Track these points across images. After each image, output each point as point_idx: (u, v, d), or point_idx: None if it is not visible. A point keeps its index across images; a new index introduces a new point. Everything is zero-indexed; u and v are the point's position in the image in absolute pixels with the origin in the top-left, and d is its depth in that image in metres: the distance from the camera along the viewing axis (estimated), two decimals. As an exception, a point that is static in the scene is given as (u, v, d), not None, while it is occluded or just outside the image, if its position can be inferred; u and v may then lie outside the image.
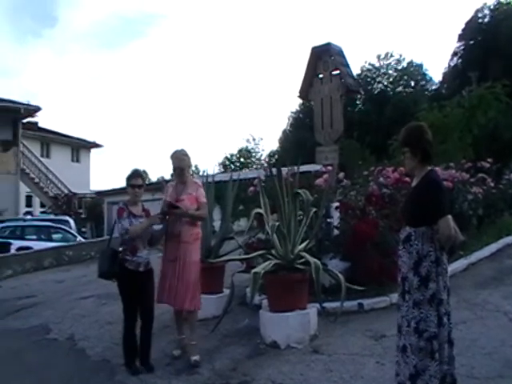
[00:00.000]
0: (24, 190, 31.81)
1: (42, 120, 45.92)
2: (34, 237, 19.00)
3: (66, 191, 33.56)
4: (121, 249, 5.51)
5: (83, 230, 28.25)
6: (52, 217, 25.35)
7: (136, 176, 5.66)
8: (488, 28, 51.29)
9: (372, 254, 7.04)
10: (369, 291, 6.64)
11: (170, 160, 5.91)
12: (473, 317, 5.95)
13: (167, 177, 39.05)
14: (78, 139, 41.76)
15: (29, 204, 35.61)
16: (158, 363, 5.63)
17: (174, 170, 5.93)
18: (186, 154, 5.92)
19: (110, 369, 5.78)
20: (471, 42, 53.05)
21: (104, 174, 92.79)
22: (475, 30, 52.72)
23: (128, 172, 5.67)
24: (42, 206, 34.81)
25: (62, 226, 20.64)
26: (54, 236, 19.45)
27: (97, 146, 43.63)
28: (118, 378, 5.49)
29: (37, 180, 32.53)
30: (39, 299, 10.29)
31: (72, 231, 20.85)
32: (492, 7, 54.09)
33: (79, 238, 20.20)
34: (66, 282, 12.35)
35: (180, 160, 5.84)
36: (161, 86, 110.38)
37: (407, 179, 8.32)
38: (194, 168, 66.87)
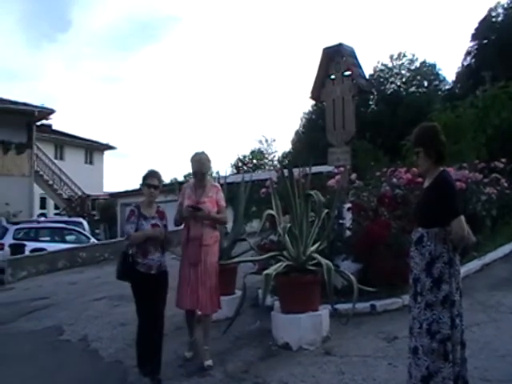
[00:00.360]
0: (38, 191, 32.00)
1: (56, 122, 46.14)
2: (48, 238, 19.12)
3: (79, 193, 33.72)
4: (131, 251, 5.38)
5: (97, 231, 28.38)
6: (66, 218, 25.51)
7: (152, 176, 5.50)
8: (502, 27, 51.06)
9: (384, 255, 7.00)
10: (381, 293, 6.60)
11: (190, 162, 5.77)
12: (486, 319, 5.90)
13: (180, 178, 39.18)
14: (91, 141, 41.99)
15: (43, 206, 35.88)
16: (170, 365, 5.65)
17: (195, 173, 5.81)
18: (208, 159, 5.80)
19: (122, 370, 5.83)
20: (485, 41, 52.81)
21: (117, 175, 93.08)
22: (489, 28, 52.48)
23: (143, 172, 5.58)
24: (56, 207, 35.01)
25: (76, 228, 20.76)
26: (68, 238, 19.57)
27: (110, 147, 43.83)
28: (130, 379, 5.53)
29: (51, 182, 32.71)
30: (52, 301, 10.37)
31: (85, 233, 20.96)
32: (506, 6, 53.79)
33: (92, 240, 20.30)
34: (79, 284, 12.43)
35: (202, 164, 5.72)
36: (174, 88, 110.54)
37: (420, 180, 8.28)
38: (206, 169, 67.03)
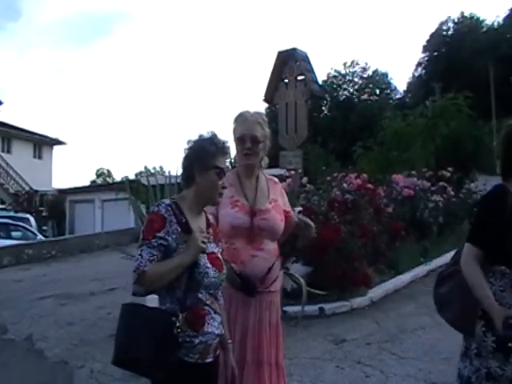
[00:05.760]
0: (-17, 186, 31.19)
1: (4, 114, 44.90)
2: (-7, 234, 18.58)
3: (27, 188, 32.99)
4: (179, 320, 2.32)
5: (44, 228, 27.72)
6: (12, 214, 24.87)
7: (224, 151, 2.61)
8: (452, 40, 52.80)
9: (334, 259, 7.11)
10: (330, 296, 6.71)
11: (234, 126, 3.21)
12: (432, 322, 6.04)
13: (131, 177, 38.66)
14: (40, 135, 41.06)
15: (-12, 201, 34.92)
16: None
17: (241, 139, 3.12)
18: (265, 120, 3.25)
19: (68, 371, 5.70)
20: (435, 54, 54.45)
21: (67, 171, 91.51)
22: (439, 41, 54.17)
23: (194, 137, 2.61)
24: (2, 202, 34.10)
25: (22, 224, 20.21)
26: (14, 234, 18.97)
27: (60, 142, 43.01)
28: (76, 380, 5.42)
29: (-4, 176, 31.93)
30: (-4, 298, 10.10)
31: (32, 229, 20.44)
32: (456, 20, 55.66)
33: (40, 237, 19.84)
34: (25, 282, 12.13)
35: (253, 124, 3.14)
36: (125, 84, 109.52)
37: (370, 186, 8.47)
38: (158, 169, 66.64)
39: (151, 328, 2.23)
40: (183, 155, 2.60)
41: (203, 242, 2.38)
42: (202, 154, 2.53)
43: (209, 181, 2.52)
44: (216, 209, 2.93)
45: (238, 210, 3.01)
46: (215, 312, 2.48)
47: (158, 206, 2.44)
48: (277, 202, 3.16)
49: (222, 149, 2.58)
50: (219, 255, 2.56)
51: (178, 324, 2.28)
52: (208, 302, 2.44)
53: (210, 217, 2.70)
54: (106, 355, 5.96)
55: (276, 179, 3.38)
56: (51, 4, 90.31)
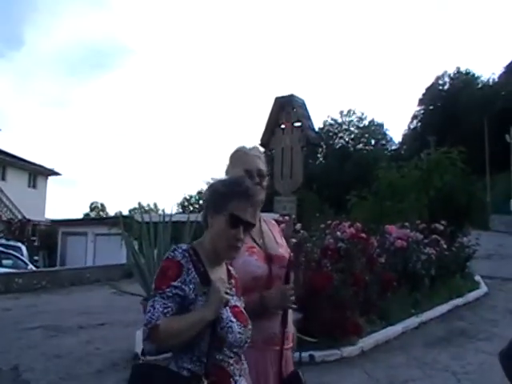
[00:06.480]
0: (-25, 212, 31.03)
1: (1, 142, 44.99)
2: (-17, 261, 18.45)
3: (20, 217, 32.85)
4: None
5: (35, 258, 27.53)
6: (3, 242, 24.72)
7: (243, 195, 2.18)
8: (447, 95, 53.88)
9: (325, 306, 7.14)
10: (320, 343, 6.70)
11: (231, 160, 2.83)
12: (422, 375, 6.08)
13: (125, 212, 38.60)
14: (36, 165, 41.00)
15: (-21, 227, 34.67)
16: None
17: (248, 174, 2.68)
18: (262, 154, 2.96)
19: (55, 404, 5.69)
20: (431, 107, 55.40)
21: (60, 202, 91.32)
22: (435, 95, 55.29)
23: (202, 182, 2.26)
24: (-6, 229, 33.96)
25: (14, 252, 20.10)
26: (4, 262, 18.85)
27: (55, 173, 42.99)
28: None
29: (-11, 203, 31.85)
30: (-17, 326, 10.04)
31: (23, 258, 20.30)
32: (452, 75, 56.91)
33: (30, 266, 19.74)
34: (13, 311, 12.06)
35: (255, 158, 2.81)
36: (123, 119, 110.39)
37: (363, 235, 8.56)
38: (152, 206, 66.50)
39: None
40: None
41: (226, 293, 2.06)
42: (214, 194, 2.23)
43: (218, 227, 2.15)
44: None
45: (257, 258, 2.56)
46: (240, 374, 2.13)
47: (174, 252, 2.10)
48: (284, 247, 2.76)
49: (239, 192, 2.16)
50: (243, 310, 2.19)
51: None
52: (232, 362, 2.09)
53: (231, 268, 2.33)
54: (94, 391, 5.98)
55: (272, 220, 3.01)
56: (54, 35, 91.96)
